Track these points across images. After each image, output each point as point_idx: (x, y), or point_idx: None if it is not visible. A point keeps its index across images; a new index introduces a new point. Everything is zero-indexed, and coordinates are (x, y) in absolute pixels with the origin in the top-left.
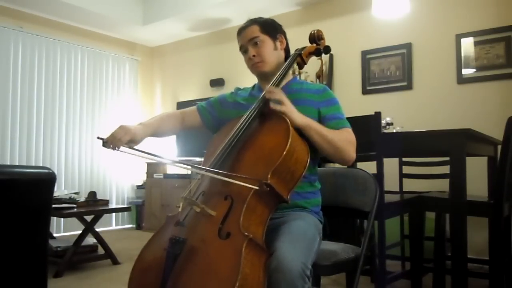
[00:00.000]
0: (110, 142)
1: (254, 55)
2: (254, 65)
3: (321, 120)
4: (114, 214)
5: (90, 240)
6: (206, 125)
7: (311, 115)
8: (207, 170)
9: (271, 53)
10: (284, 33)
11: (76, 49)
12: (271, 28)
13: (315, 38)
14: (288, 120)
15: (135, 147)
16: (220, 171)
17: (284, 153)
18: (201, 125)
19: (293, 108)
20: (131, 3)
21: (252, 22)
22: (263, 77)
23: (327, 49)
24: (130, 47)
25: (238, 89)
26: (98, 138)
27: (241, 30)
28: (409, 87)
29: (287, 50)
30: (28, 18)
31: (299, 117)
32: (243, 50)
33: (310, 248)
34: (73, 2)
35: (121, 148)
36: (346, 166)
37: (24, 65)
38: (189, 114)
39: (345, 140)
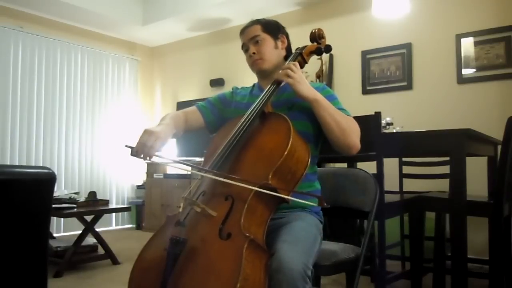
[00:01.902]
0: (141, 151)
1: (254, 53)
2: (253, 62)
3: None
4: (114, 214)
5: (90, 240)
6: (208, 125)
7: (312, 111)
8: (220, 175)
9: (271, 51)
10: (286, 34)
11: (76, 49)
12: (273, 28)
13: (316, 37)
14: (289, 120)
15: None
16: (230, 175)
17: (285, 153)
18: (203, 125)
19: (302, 80)
20: (131, 3)
21: (255, 22)
22: (263, 75)
23: (328, 48)
24: (130, 47)
25: (237, 88)
26: (126, 146)
27: (244, 29)
28: (409, 87)
29: (288, 50)
30: (28, 18)
31: (306, 90)
32: (245, 48)
33: (311, 248)
34: (73, 2)
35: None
36: (349, 156)
37: (24, 65)
38: (191, 114)
39: (351, 124)
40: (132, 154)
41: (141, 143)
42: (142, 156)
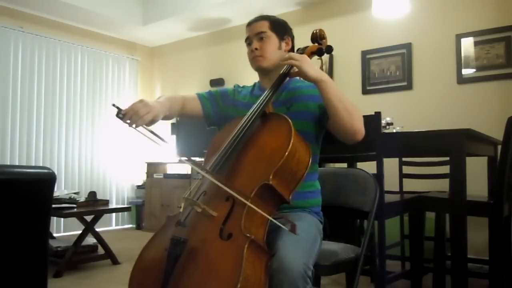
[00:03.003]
0: (129, 117)
1: (256, 48)
2: (254, 58)
3: (324, 112)
4: (114, 214)
5: (90, 240)
6: (205, 115)
7: (313, 109)
8: (213, 177)
9: (274, 51)
10: (292, 37)
11: (76, 49)
12: (281, 27)
13: (317, 37)
14: (290, 121)
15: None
16: (228, 180)
17: (286, 153)
18: (200, 113)
19: (308, 61)
20: (131, 3)
21: (264, 17)
22: (263, 73)
23: (329, 49)
24: (130, 47)
25: (238, 86)
26: (113, 105)
27: (251, 23)
28: (409, 87)
29: (290, 51)
30: (28, 18)
31: (313, 70)
32: (248, 42)
33: (311, 248)
34: (73, 2)
35: (139, 127)
36: (353, 143)
37: (24, 65)
38: (190, 100)
39: (357, 110)
40: (117, 116)
41: (133, 109)
42: (128, 121)
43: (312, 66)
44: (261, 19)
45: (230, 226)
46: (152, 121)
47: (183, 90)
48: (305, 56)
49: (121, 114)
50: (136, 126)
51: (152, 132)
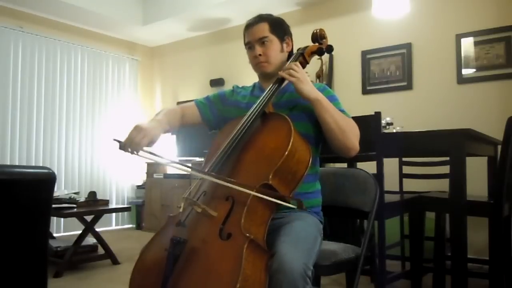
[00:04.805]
0: (128, 146)
1: (260, 55)
2: (258, 64)
3: None
4: (114, 214)
5: (90, 240)
6: (205, 121)
7: (313, 113)
8: (219, 179)
9: (277, 54)
10: (291, 35)
11: (76, 49)
12: (280, 28)
13: (318, 37)
14: (289, 120)
15: (152, 148)
16: (229, 177)
17: (286, 153)
18: (200, 121)
19: (305, 80)
20: (131, 3)
21: (262, 19)
22: (265, 76)
23: (329, 48)
24: (130, 47)
25: (237, 87)
26: (114, 140)
27: (250, 26)
28: (409, 87)
29: (290, 51)
30: (28, 18)
31: (309, 89)
32: (249, 46)
33: (311, 248)
34: (73, 2)
35: (140, 152)
36: (348, 158)
37: (24, 65)
38: (188, 109)
39: (351, 126)
40: (120, 148)
41: (129, 138)
42: (129, 150)
43: (308, 83)
44: (260, 21)
45: (230, 226)
46: (150, 143)
47: (183, 90)
48: (303, 72)
49: (122, 146)
50: (137, 153)
51: (152, 153)
